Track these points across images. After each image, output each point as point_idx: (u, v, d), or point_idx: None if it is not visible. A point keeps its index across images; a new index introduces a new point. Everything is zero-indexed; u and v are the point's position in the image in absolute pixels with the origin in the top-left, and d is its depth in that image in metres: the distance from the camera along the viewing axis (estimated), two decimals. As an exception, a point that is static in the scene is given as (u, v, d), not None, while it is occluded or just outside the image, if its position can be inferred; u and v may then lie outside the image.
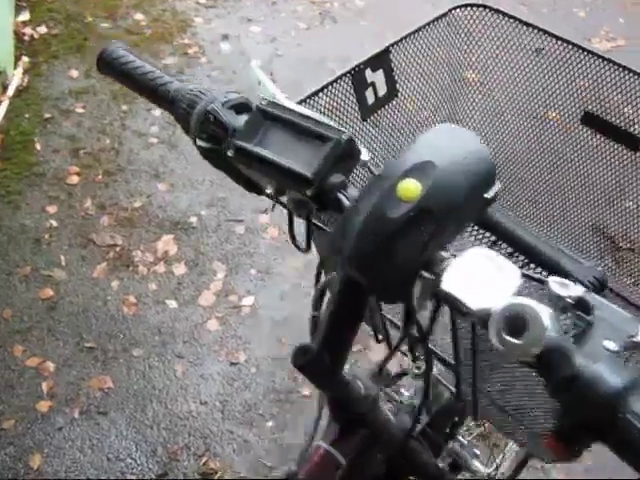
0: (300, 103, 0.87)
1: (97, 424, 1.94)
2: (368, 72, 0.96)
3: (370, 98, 0.98)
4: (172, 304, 2.26)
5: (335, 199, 0.62)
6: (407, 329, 0.66)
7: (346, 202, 0.61)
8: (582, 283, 0.89)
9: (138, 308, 2.24)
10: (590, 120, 1.00)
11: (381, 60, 0.98)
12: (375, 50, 0.98)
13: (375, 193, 0.54)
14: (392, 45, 1.00)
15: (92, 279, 2.31)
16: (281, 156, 0.63)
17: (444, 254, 0.55)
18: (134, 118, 2.91)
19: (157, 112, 2.92)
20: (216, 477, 1.85)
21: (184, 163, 2.73)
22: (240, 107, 0.72)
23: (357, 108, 0.97)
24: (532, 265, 0.99)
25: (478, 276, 0.52)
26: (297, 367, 0.67)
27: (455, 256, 0.54)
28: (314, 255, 2.65)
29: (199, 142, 0.72)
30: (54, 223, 2.47)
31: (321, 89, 0.91)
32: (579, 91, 1.01)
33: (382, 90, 1.00)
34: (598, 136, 1.00)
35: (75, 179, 2.64)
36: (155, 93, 0.78)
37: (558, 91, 1.02)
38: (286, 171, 0.62)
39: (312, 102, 0.91)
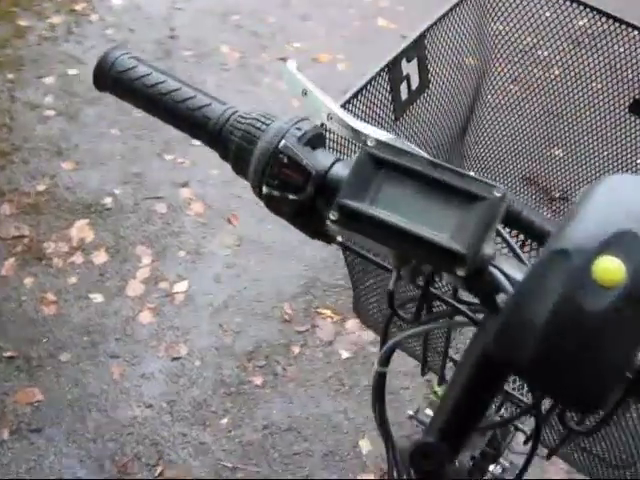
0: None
1: (32, 444, 1.74)
2: (404, 63, 0.81)
3: (404, 93, 0.83)
4: (97, 298, 2.05)
5: (489, 277, 0.48)
6: (592, 431, 0.54)
7: (503, 282, 0.47)
8: None
9: (59, 306, 2.02)
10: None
11: (417, 47, 0.84)
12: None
13: (558, 274, 0.41)
14: (428, 29, 0.85)
15: (0, 278, 2.05)
16: (412, 221, 0.47)
17: None
18: (23, 89, 2.59)
19: (50, 79, 2.61)
20: (174, 486, 1.71)
21: (88, 136, 2.47)
22: (315, 140, 0.56)
23: (391, 107, 0.82)
24: None
25: None
26: (420, 472, 0.54)
27: None
28: (247, 230, 2.48)
29: (267, 190, 0.55)
30: (-54, 216, 2.18)
31: (360, 90, 0.76)
32: (629, 76, 0.91)
33: (414, 83, 0.85)
34: None
35: (-36, 163, 2.33)
36: (187, 120, 0.60)
37: (604, 76, 0.92)
38: (423, 243, 0.47)
39: (349, 107, 0.75)
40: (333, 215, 0.49)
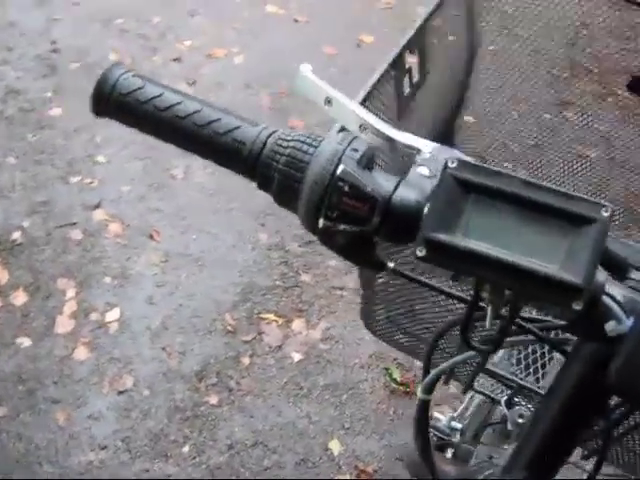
0: None
1: (-18, 513, 1.61)
2: (407, 56, 0.75)
3: (406, 88, 0.77)
4: (24, 342, 1.91)
5: (602, 307, 0.43)
6: None
7: (618, 312, 0.43)
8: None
9: (-16, 358, 1.86)
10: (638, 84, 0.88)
11: (420, 36, 0.77)
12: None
13: None
14: (431, 15, 0.79)
15: None
16: (514, 252, 0.42)
17: None
18: None
19: None
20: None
21: (-18, 169, 2.28)
22: (371, 160, 0.50)
23: (395, 105, 0.76)
24: None
25: None
26: None
27: None
28: (172, 244, 2.36)
29: (325, 224, 0.48)
30: None
31: (370, 92, 0.68)
32: (626, 52, 0.88)
33: (415, 76, 0.79)
34: None
35: None
36: (215, 147, 0.51)
37: (600, 55, 0.89)
38: (532, 276, 0.41)
39: None
40: (420, 251, 0.43)
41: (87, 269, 2.09)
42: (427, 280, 0.58)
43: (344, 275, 2.13)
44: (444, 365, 0.55)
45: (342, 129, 0.51)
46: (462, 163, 0.44)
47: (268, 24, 3.01)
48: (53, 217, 2.21)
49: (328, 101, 0.53)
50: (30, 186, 2.27)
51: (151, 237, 2.19)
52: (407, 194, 0.48)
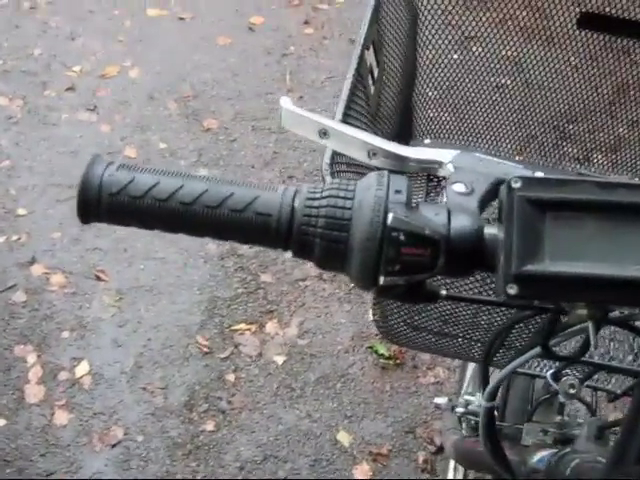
0: None
1: None
2: (366, 54, 0.69)
3: (371, 87, 0.72)
4: (-1, 422, 1.81)
5: None
6: None
7: None
8: None
9: (-39, 451, 1.76)
10: (588, 21, 0.86)
11: (371, 30, 0.71)
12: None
13: None
14: (377, 7, 0.73)
15: None
16: (611, 264, 0.39)
17: None
18: None
19: None
20: None
21: None
22: (412, 195, 0.45)
23: (366, 106, 0.70)
24: None
25: None
26: None
27: None
28: (121, 280, 2.27)
29: (388, 280, 0.43)
30: None
31: (346, 104, 0.62)
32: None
33: (375, 73, 0.74)
34: (602, 37, 0.87)
35: None
36: (237, 227, 0.46)
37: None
38: (636, 284, 0.38)
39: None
40: (511, 289, 0.40)
41: (41, 329, 1.99)
42: (485, 297, 0.55)
43: (303, 265, 2.10)
44: (505, 371, 0.52)
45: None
46: (527, 181, 0.41)
47: (154, 29, 2.89)
48: (-11, 285, 2.08)
49: (324, 133, 0.49)
50: (-45, 258, 2.13)
51: (98, 278, 2.10)
52: (462, 224, 0.44)
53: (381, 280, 0.43)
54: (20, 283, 2.09)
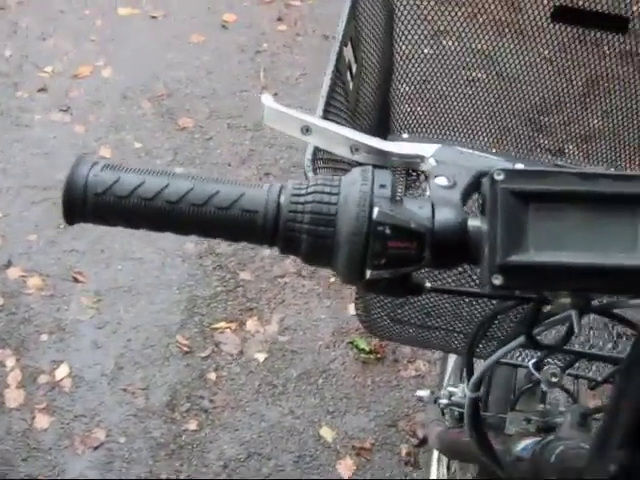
0: None
1: None
2: (344, 50, 0.69)
3: (350, 83, 0.72)
4: (-22, 428, 1.79)
5: None
6: None
7: None
8: None
9: (-60, 458, 1.74)
10: (562, 14, 0.87)
11: (349, 26, 0.71)
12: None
13: None
14: (354, 4, 0.74)
15: None
16: (594, 253, 0.39)
17: None
18: None
19: None
20: None
21: None
22: (397, 189, 0.46)
23: (345, 102, 0.70)
24: None
25: None
26: None
27: None
28: (99, 281, 2.25)
29: (373, 274, 0.44)
30: None
31: (326, 101, 0.62)
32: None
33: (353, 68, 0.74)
34: (574, 30, 0.88)
35: None
36: (222, 224, 0.46)
37: None
38: (618, 273, 0.39)
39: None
40: (496, 279, 0.40)
41: (19, 332, 1.97)
42: (469, 289, 0.56)
43: (281, 262, 2.10)
44: (489, 361, 0.53)
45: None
46: (509, 173, 0.41)
47: (125, 28, 2.87)
48: (-35, 289, 2.06)
49: (306, 130, 0.50)
50: None
51: (75, 280, 2.08)
52: (446, 216, 0.45)
53: (368, 274, 0.44)
54: (-3, 285, 2.07)
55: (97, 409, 1.82)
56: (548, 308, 0.46)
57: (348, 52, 0.71)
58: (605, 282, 0.40)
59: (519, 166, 0.47)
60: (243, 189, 0.47)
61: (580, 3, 0.91)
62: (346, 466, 1.70)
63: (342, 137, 0.50)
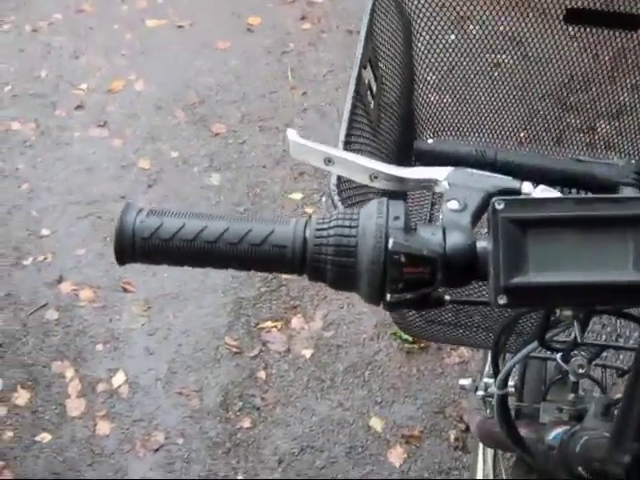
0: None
1: None
2: (363, 72, 0.73)
3: (371, 103, 0.76)
4: (44, 438, 1.88)
5: None
6: None
7: None
8: (628, 184, 0.81)
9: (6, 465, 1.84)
10: (574, 16, 0.90)
11: (367, 47, 0.75)
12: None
13: None
14: (370, 23, 0.78)
15: None
16: (589, 271, 0.44)
17: None
18: None
19: None
20: None
21: None
22: (410, 217, 0.51)
23: (367, 122, 0.75)
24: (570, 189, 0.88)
25: None
26: None
27: None
28: (148, 289, 2.31)
29: (393, 298, 0.49)
30: None
31: (349, 125, 0.66)
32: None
33: (373, 89, 0.78)
34: (587, 30, 0.90)
35: None
36: (256, 259, 0.51)
37: None
38: (611, 288, 0.44)
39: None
40: (501, 299, 0.45)
41: (76, 344, 2.06)
42: (485, 300, 0.60)
43: (321, 259, 2.15)
44: (513, 360, 0.57)
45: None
46: (509, 203, 0.46)
47: (154, 39, 2.94)
48: (22, 306, 2.16)
49: (329, 161, 0.54)
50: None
51: (125, 290, 2.16)
52: (456, 240, 0.49)
53: (388, 297, 0.49)
54: (51, 301, 2.16)
55: (154, 413, 1.90)
56: (557, 314, 0.50)
57: (367, 73, 0.75)
58: (600, 297, 0.44)
59: (526, 185, 0.51)
60: (272, 226, 0.52)
61: (592, 4, 0.93)
62: (396, 454, 1.74)
63: (361, 167, 0.54)
